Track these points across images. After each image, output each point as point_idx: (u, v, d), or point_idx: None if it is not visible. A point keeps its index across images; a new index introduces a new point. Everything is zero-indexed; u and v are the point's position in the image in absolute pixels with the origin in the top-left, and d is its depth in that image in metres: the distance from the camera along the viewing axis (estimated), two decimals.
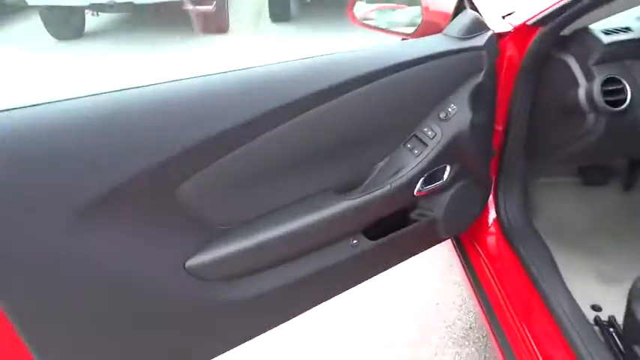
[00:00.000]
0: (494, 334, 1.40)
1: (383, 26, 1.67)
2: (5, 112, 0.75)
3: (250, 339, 1.25)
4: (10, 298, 0.81)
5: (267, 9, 6.28)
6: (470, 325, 1.86)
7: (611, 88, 1.28)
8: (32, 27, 5.86)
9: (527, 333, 1.31)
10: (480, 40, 1.25)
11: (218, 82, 0.95)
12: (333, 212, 1.16)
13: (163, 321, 1.01)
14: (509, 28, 1.35)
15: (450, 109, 1.25)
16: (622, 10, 1.24)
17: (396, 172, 1.24)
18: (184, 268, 0.98)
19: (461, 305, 1.96)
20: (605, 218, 1.82)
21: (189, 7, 5.10)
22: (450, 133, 1.24)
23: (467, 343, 1.79)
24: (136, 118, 0.83)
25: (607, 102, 1.25)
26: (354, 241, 1.26)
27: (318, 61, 1.06)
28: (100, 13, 5.72)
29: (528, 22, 1.31)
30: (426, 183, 1.29)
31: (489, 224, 1.63)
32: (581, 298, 1.28)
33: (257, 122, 0.96)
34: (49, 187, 0.77)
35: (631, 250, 1.59)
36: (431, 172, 1.28)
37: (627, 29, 1.35)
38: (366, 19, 1.73)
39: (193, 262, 0.99)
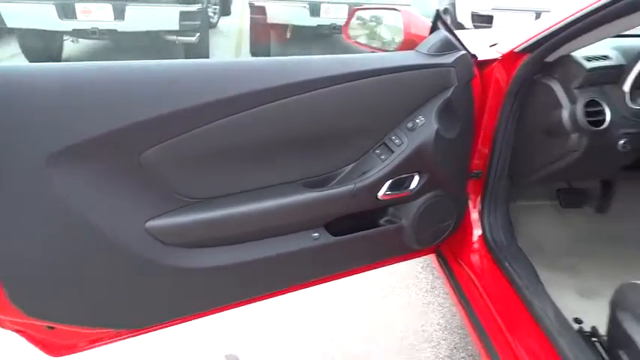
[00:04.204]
0: (482, 346, 1.42)
1: (371, 44, 1.79)
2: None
3: (203, 312, 1.28)
4: None
5: (248, 45, 6.43)
6: (455, 345, 1.88)
7: (591, 110, 1.37)
8: (9, 54, 5.80)
9: (517, 343, 1.34)
10: (449, 58, 1.31)
11: (192, 67, 1.04)
12: (295, 201, 1.20)
13: (121, 271, 1.07)
14: (496, 55, 1.45)
15: (417, 120, 1.29)
16: (600, 40, 1.35)
17: (362, 174, 1.29)
18: (145, 227, 1.04)
19: (445, 326, 1.97)
20: (580, 239, 1.91)
21: (173, 37, 5.15)
22: (415, 143, 1.29)
23: None
24: (105, 86, 0.95)
25: (589, 122, 1.35)
26: (315, 234, 1.29)
27: (296, 59, 1.15)
28: (79, 40, 5.72)
29: (516, 50, 1.40)
30: (391, 189, 1.33)
31: (474, 242, 1.68)
32: (564, 312, 1.33)
33: (225, 104, 1.03)
34: (25, 133, 0.88)
35: (606, 269, 1.66)
36: (397, 179, 1.33)
37: (606, 57, 1.47)
38: (357, 38, 1.84)
39: (153, 223, 1.05)
